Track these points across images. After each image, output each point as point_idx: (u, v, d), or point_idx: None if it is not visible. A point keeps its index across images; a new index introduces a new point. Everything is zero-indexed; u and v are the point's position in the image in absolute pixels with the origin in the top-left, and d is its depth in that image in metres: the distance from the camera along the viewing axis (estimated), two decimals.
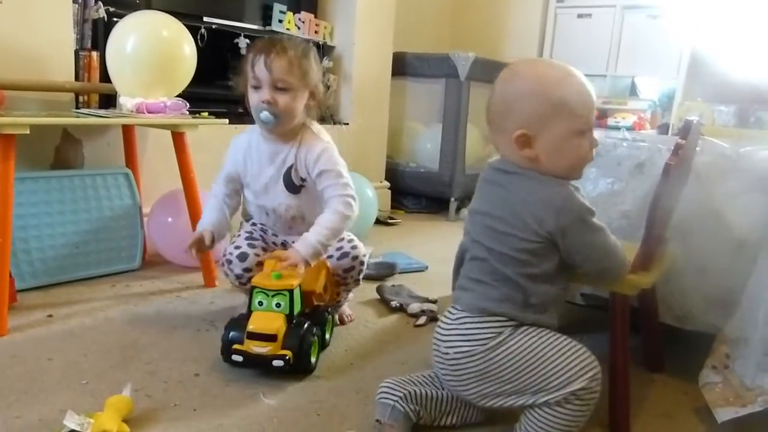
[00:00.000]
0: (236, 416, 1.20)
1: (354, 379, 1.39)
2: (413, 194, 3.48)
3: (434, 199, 3.44)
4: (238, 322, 1.37)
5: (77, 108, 2.01)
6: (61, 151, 1.99)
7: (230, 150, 1.65)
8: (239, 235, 1.64)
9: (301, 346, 1.34)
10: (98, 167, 2.04)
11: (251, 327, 1.33)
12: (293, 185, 1.57)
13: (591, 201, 1.59)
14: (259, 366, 1.34)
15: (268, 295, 1.37)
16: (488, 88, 3.63)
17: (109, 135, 2.10)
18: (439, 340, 1.12)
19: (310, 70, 1.51)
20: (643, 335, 1.55)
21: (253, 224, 1.69)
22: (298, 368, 1.35)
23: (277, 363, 1.31)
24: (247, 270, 1.54)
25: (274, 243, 1.68)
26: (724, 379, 1.28)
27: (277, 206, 1.60)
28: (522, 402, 1.05)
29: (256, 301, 1.37)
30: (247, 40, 2.54)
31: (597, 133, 1.72)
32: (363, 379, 1.38)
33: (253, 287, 1.38)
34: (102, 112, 1.88)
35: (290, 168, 1.56)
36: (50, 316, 1.62)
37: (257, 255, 1.57)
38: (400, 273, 2.19)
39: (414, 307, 1.79)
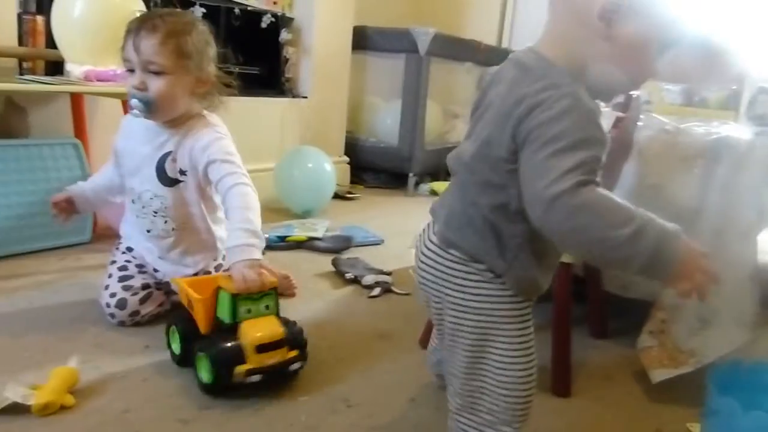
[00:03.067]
0: (184, 380, 1.20)
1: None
2: (373, 169, 3.49)
3: (393, 174, 3.45)
4: (219, 342, 1.15)
5: (21, 75, 1.95)
6: (4, 119, 1.93)
7: (121, 123, 1.50)
8: (110, 275, 1.45)
9: (301, 341, 1.22)
10: (45, 137, 1.98)
11: (258, 338, 1.14)
12: (165, 175, 1.39)
13: None
14: (277, 377, 1.19)
15: (255, 300, 1.19)
16: (447, 64, 3.67)
17: (56, 104, 2.04)
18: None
19: (192, 50, 1.31)
20: (589, 304, 1.60)
21: (126, 250, 1.51)
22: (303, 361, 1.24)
23: (295, 366, 1.19)
24: (135, 313, 1.41)
25: (154, 272, 1.49)
26: (660, 343, 1.34)
27: (143, 192, 1.41)
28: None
29: (243, 311, 1.17)
30: (203, 10, 2.49)
31: None
32: (316, 348, 1.39)
33: (235, 296, 1.16)
34: (47, 79, 1.82)
35: (167, 155, 1.38)
36: None
37: (135, 294, 1.41)
38: (356, 246, 2.20)
39: (368, 279, 1.81)
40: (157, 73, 1.29)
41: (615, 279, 1.55)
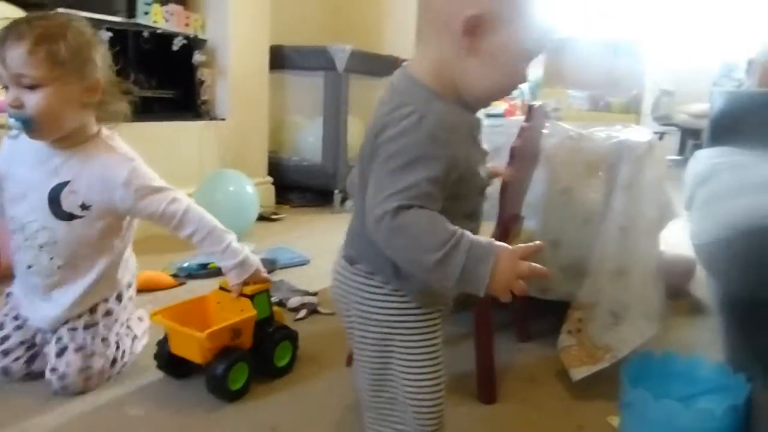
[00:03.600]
0: None
1: None
2: (298, 188, 3.47)
3: (319, 192, 3.44)
4: (281, 329, 1.39)
5: None
6: None
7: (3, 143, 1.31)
8: None
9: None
10: None
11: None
12: (60, 207, 1.23)
13: None
14: None
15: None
16: (367, 80, 3.68)
17: None
18: None
19: (68, 56, 1.15)
20: (511, 308, 1.64)
21: (6, 296, 1.37)
22: None
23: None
24: (27, 375, 1.28)
25: (34, 332, 1.32)
26: (578, 341, 1.39)
27: (29, 223, 1.24)
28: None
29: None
30: (110, 34, 2.42)
31: None
32: None
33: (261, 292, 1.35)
34: None
35: (63, 184, 1.23)
36: None
37: (17, 359, 1.27)
38: (281, 268, 2.17)
39: (293, 301, 1.79)
40: (31, 87, 1.13)
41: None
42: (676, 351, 1.24)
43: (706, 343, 1.61)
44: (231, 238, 1.35)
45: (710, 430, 1.03)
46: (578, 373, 1.33)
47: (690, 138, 5.61)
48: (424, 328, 0.85)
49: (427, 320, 0.86)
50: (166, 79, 2.80)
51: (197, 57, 2.84)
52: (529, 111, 1.26)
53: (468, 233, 0.72)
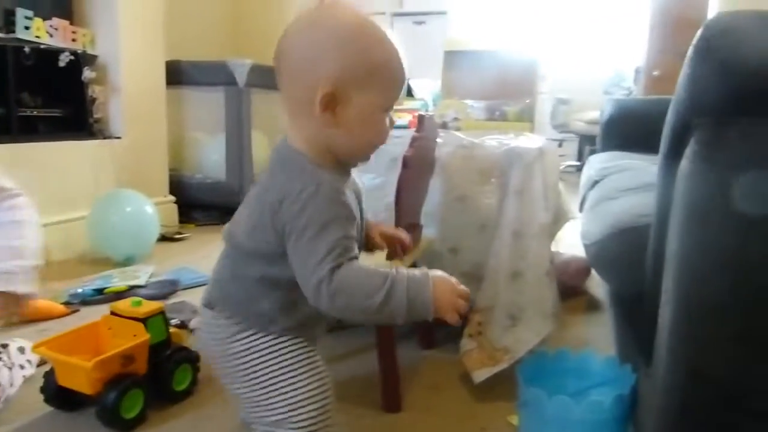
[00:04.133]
0: None
1: None
2: (203, 206, 3.37)
3: (226, 209, 3.35)
4: (180, 352, 1.35)
5: None
6: None
7: None
8: None
9: None
10: None
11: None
12: None
13: None
14: None
15: None
16: (269, 94, 3.64)
17: None
18: None
19: None
20: None
21: None
22: None
23: None
24: None
25: None
26: (479, 344, 1.42)
27: None
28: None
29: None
30: None
31: None
32: None
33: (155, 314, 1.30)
34: None
35: None
36: None
37: None
38: (184, 289, 2.10)
39: (195, 322, 1.73)
40: None
41: None
42: (569, 348, 1.29)
43: (600, 339, 1.69)
44: (18, 264, 1.22)
45: (600, 421, 1.08)
46: (479, 375, 1.36)
47: (587, 144, 5.92)
48: (296, 354, 0.87)
49: (298, 347, 0.88)
50: (53, 97, 2.65)
51: (87, 73, 2.71)
52: (420, 121, 1.28)
53: (401, 269, 0.78)
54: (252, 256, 0.86)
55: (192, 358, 1.34)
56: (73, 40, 2.71)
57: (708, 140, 0.79)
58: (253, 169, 3.30)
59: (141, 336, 1.24)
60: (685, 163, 0.84)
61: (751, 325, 0.79)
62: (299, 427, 0.84)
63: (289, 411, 0.84)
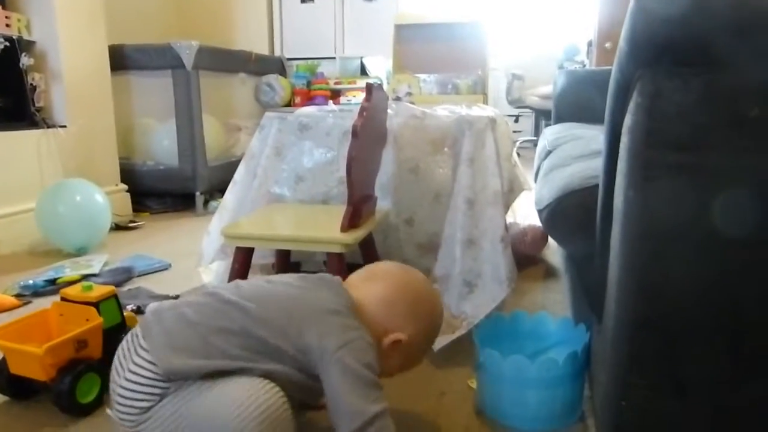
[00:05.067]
0: None
1: None
2: (156, 194, 3.30)
3: (180, 195, 3.30)
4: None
5: None
6: None
7: None
8: None
9: None
10: None
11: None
12: None
13: (308, 172, 1.67)
14: None
15: None
16: (218, 77, 3.59)
17: None
18: None
19: None
20: None
21: None
22: None
23: None
24: None
25: None
26: None
27: None
28: None
29: None
30: None
31: (307, 109, 1.79)
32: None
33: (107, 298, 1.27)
34: None
35: None
36: None
37: None
38: (140, 276, 2.06)
39: (152, 307, 1.70)
40: None
41: (393, 260, 1.63)
42: (524, 311, 1.32)
43: (556, 304, 1.73)
44: None
45: (555, 378, 1.11)
46: (438, 342, 1.37)
47: (543, 119, 6.00)
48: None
49: None
50: None
51: (24, 60, 2.60)
52: (369, 90, 1.27)
53: None
54: None
55: None
56: (7, 25, 2.59)
57: (649, 92, 0.81)
58: (206, 154, 3.24)
59: (94, 320, 1.21)
60: (628, 118, 0.86)
61: (694, 272, 0.82)
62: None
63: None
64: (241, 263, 1.42)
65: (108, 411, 0.91)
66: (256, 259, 1.52)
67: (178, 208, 3.29)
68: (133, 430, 0.87)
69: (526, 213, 2.48)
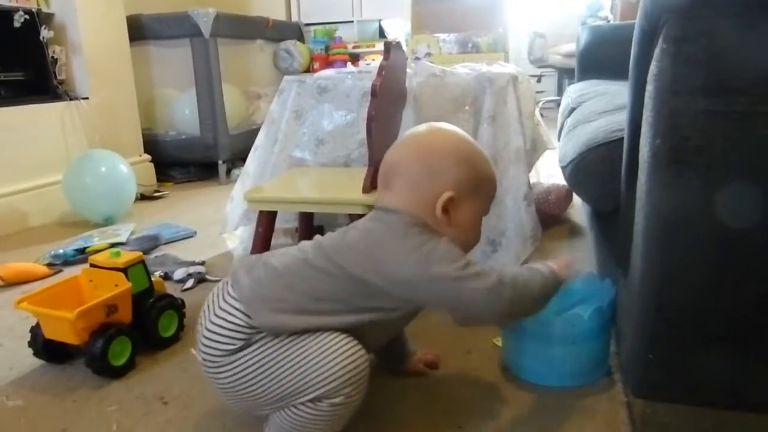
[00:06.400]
0: None
1: None
2: (180, 164, 3.33)
3: (203, 165, 3.32)
4: (165, 298, 1.35)
5: None
6: None
7: None
8: None
9: None
10: None
11: None
12: None
13: (328, 135, 1.66)
14: None
15: None
16: (237, 44, 3.56)
17: None
18: None
19: None
20: None
21: None
22: None
23: None
24: None
25: None
26: None
27: None
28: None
29: None
30: None
31: (326, 72, 1.77)
32: None
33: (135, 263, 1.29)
34: None
35: None
36: None
37: None
38: (166, 243, 2.09)
39: (179, 272, 1.73)
40: None
41: None
42: None
43: (582, 262, 1.71)
44: None
45: (580, 332, 1.10)
46: None
47: (566, 78, 5.86)
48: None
49: None
50: (11, 59, 2.57)
51: (45, 33, 2.61)
52: (387, 49, 1.25)
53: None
54: None
55: (176, 305, 1.34)
56: None
57: (675, 37, 0.78)
58: (227, 123, 3.24)
59: (122, 285, 1.24)
60: (653, 65, 0.83)
61: (721, 226, 0.80)
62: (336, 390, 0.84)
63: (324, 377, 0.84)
64: (265, 227, 1.43)
65: (192, 350, 0.95)
66: (279, 224, 1.53)
67: (201, 177, 3.32)
68: (214, 372, 0.90)
69: (549, 172, 2.45)
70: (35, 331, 1.26)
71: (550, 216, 2.10)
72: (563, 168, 1.52)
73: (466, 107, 1.52)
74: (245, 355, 0.87)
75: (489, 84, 1.49)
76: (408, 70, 1.49)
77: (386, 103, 1.26)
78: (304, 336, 0.86)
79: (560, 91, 5.98)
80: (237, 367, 0.88)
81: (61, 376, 1.23)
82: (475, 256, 1.44)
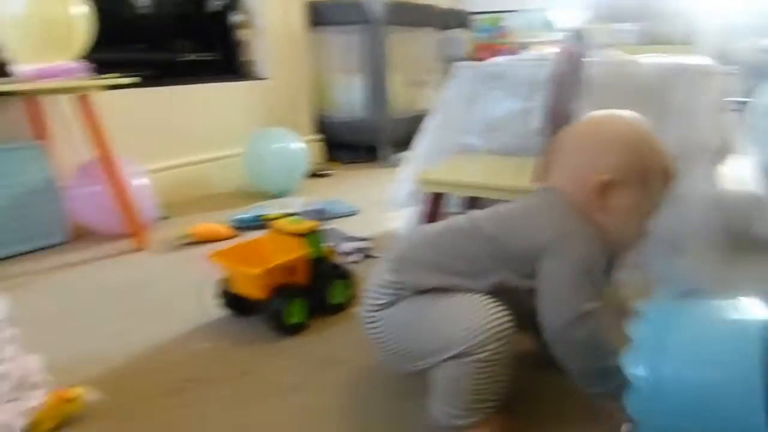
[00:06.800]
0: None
1: None
2: (347, 146, 3.49)
3: (369, 148, 3.45)
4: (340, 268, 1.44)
5: None
6: None
7: None
8: None
9: None
10: (3, 143, 1.94)
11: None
12: None
13: (498, 121, 1.65)
14: None
15: None
16: (405, 31, 3.62)
17: (8, 108, 1.98)
18: None
19: None
20: None
21: None
22: None
23: None
24: None
25: None
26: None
27: None
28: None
29: None
30: None
31: (498, 59, 1.76)
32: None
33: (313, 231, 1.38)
34: None
35: None
36: None
37: None
38: (330, 218, 2.21)
39: (346, 246, 1.82)
40: None
41: None
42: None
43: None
44: None
45: None
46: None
47: (756, 77, 5.30)
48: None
49: None
50: (202, 41, 2.84)
51: (234, 18, 2.86)
52: (571, 37, 1.22)
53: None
54: None
55: (346, 275, 1.42)
56: None
57: None
58: (390, 108, 3.34)
59: (302, 249, 1.33)
60: None
61: None
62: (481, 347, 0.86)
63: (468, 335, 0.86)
64: (433, 208, 1.47)
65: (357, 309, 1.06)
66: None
67: (365, 159, 3.45)
68: (370, 326, 0.98)
69: (734, 179, 2.24)
70: (223, 284, 1.40)
71: (732, 228, 1.92)
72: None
73: (649, 99, 1.43)
74: (394, 312, 0.94)
75: (679, 75, 1.40)
76: (587, 59, 1.43)
77: (564, 92, 1.24)
78: (450, 294, 0.91)
79: (746, 91, 5.42)
80: (387, 321, 0.95)
81: (242, 329, 1.35)
82: (651, 255, 1.37)
